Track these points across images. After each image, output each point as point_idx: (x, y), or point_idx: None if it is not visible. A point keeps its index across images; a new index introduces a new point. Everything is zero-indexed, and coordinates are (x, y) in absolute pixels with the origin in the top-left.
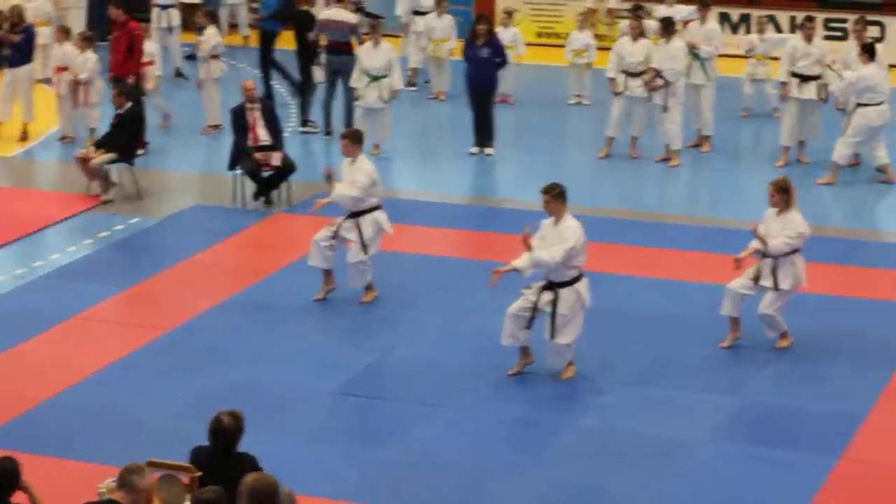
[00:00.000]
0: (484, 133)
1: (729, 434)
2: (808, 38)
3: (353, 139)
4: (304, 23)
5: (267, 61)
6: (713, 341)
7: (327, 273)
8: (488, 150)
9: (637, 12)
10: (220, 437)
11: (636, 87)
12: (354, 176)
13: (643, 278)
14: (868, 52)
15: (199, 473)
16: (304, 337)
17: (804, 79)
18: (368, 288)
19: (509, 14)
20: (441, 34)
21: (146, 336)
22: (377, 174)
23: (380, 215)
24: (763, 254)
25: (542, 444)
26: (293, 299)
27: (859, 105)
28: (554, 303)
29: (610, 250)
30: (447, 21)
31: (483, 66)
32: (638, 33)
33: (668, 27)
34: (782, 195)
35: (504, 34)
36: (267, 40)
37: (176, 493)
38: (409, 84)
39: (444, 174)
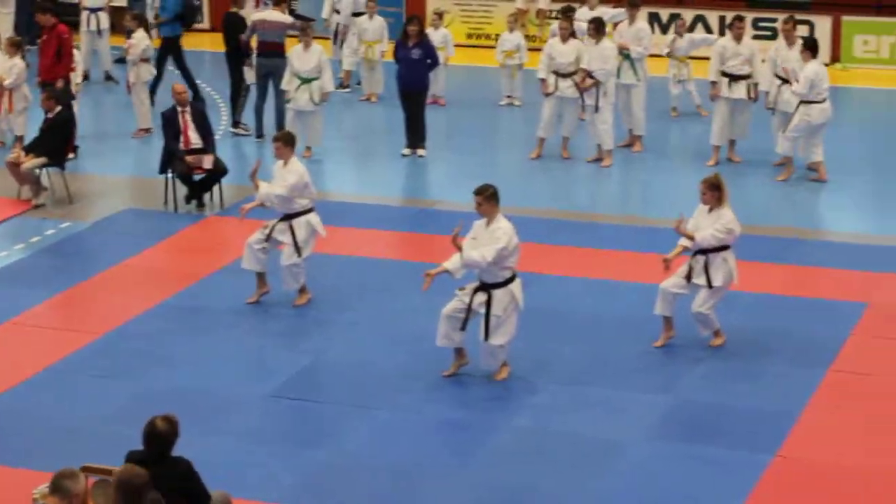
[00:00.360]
0: (416, 134)
1: (663, 433)
2: (738, 38)
3: (286, 142)
4: (233, 25)
5: (174, 65)
6: (647, 341)
7: (260, 276)
8: (420, 152)
9: (567, 13)
10: (155, 442)
11: (567, 87)
12: (286, 177)
13: (576, 278)
14: (810, 48)
15: None
16: (238, 340)
17: (734, 78)
18: (302, 290)
19: (440, 15)
20: (372, 36)
21: (80, 340)
22: (308, 176)
23: (313, 217)
24: (693, 252)
25: (476, 445)
26: (226, 303)
27: (802, 102)
28: (488, 304)
29: (543, 251)
30: (378, 23)
31: (414, 68)
32: (568, 34)
33: (598, 28)
34: (714, 192)
35: (434, 35)
36: (169, 44)
37: (111, 497)
38: (342, 86)
39: (377, 176)
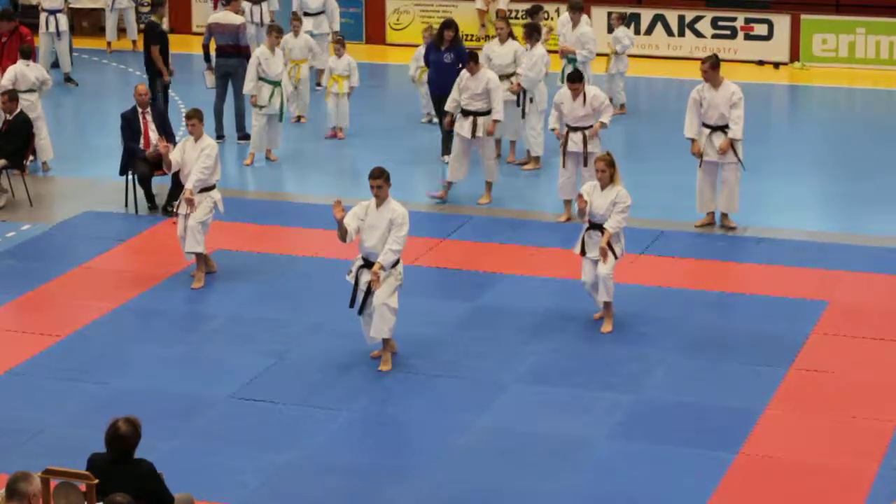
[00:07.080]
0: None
1: (626, 432)
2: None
3: (201, 118)
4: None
5: None
6: (608, 339)
7: (200, 259)
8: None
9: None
10: (117, 444)
11: (505, 90)
12: (201, 156)
13: (538, 277)
14: (575, 80)
15: (96, 481)
16: (200, 342)
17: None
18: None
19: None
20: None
21: (41, 343)
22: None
23: (215, 194)
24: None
25: (441, 445)
26: (187, 304)
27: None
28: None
29: (503, 250)
30: (345, 61)
31: (447, 72)
32: (506, 35)
33: (533, 33)
34: (610, 169)
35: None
36: None
37: (74, 501)
38: (318, 84)
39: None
